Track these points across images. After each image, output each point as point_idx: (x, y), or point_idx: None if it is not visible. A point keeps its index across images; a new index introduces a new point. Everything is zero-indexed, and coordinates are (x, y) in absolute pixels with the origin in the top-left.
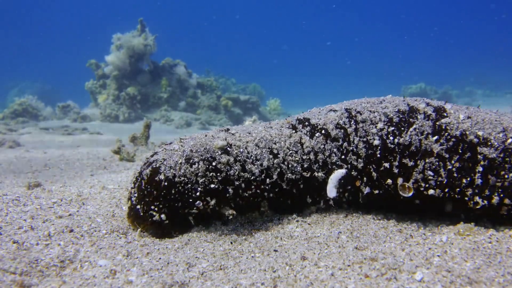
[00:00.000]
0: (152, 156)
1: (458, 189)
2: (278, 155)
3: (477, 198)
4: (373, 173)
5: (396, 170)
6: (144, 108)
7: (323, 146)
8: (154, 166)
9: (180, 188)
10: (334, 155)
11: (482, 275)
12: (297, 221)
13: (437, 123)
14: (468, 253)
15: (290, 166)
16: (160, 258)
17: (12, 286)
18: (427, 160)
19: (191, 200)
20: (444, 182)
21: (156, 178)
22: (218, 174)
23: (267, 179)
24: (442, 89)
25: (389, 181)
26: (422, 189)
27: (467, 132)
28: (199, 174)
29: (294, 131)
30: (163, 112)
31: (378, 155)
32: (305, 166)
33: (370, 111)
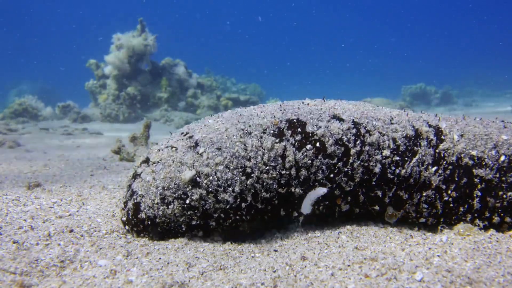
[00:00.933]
0: (136, 173)
1: (455, 217)
2: (252, 175)
3: (477, 221)
4: (361, 196)
5: (387, 200)
6: (144, 108)
7: (310, 161)
8: (136, 201)
9: (164, 226)
10: (321, 172)
11: (482, 275)
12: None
13: (437, 150)
14: (468, 253)
15: (265, 184)
16: (160, 258)
17: (12, 286)
18: (423, 194)
19: (179, 235)
20: (439, 213)
21: (139, 216)
22: (196, 211)
23: (242, 204)
24: (442, 89)
25: (377, 207)
26: (412, 217)
27: (462, 155)
28: (177, 214)
29: (277, 141)
30: (163, 112)
31: (373, 183)
32: (282, 182)
33: (380, 133)
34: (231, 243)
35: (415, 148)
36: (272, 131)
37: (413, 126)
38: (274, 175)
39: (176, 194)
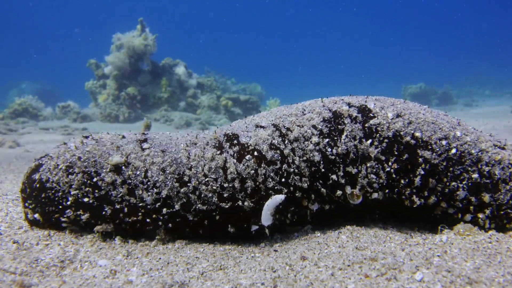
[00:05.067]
0: (62, 145)
1: (396, 190)
2: (189, 184)
3: (414, 197)
4: (322, 189)
5: (343, 180)
6: (144, 108)
7: (254, 171)
8: (38, 163)
9: (50, 194)
10: (271, 179)
11: (482, 275)
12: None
13: (366, 125)
14: (468, 253)
15: (203, 196)
16: (160, 258)
17: (12, 286)
18: (368, 165)
19: (60, 207)
20: (384, 184)
21: (32, 176)
22: (96, 191)
23: (164, 209)
24: (442, 89)
25: (339, 192)
26: (368, 194)
27: (401, 133)
28: (73, 185)
29: (218, 152)
30: (163, 112)
31: (323, 170)
32: (226, 195)
33: (299, 126)
34: (231, 243)
35: (339, 126)
36: (213, 143)
37: (330, 109)
38: (215, 188)
39: (87, 170)
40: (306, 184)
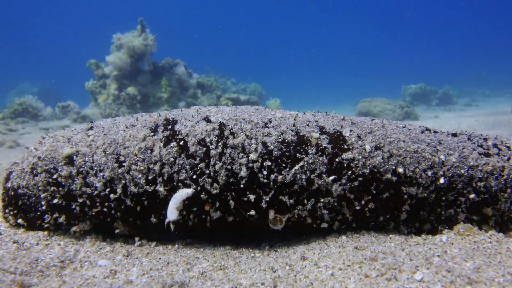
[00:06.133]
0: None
1: (372, 224)
2: (124, 163)
3: (401, 227)
4: (231, 201)
5: (265, 205)
6: (144, 108)
7: (173, 159)
8: (9, 171)
9: (25, 200)
10: (184, 172)
11: (482, 275)
12: None
13: (336, 159)
14: (468, 253)
15: (134, 177)
16: (160, 258)
17: (12, 286)
18: (321, 200)
19: (39, 213)
20: (349, 220)
21: (6, 185)
22: (60, 188)
23: (111, 195)
24: (442, 89)
25: (253, 212)
26: (308, 223)
27: (381, 170)
28: (40, 188)
29: (152, 134)
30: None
31: (242, 186)
32: (150, 178)
33: (247, 136)
34: (231, 243)
35: (298, 155)
36: (150, 125)
37: (297, 132)
38: (142, 168)
39: (47, 167)
40: (215, 191)
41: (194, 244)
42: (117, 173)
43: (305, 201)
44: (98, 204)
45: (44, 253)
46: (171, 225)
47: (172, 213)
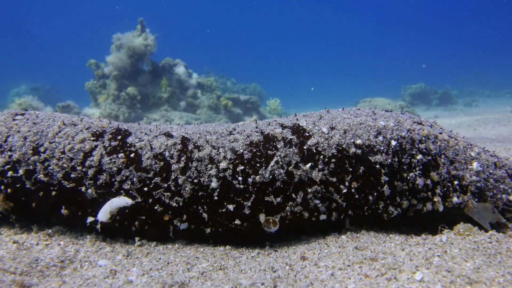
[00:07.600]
0: None
1: (366, 207)
2: (41, 154)
3: (390, 208)
4: (204, 214)
5: (248, 211)
6: (144, 108)
7: (117, 169)
8: None
9: None
10: (130, 183)
11: (482, 275)
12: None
13: (304, 147)
14: (468, 253)
15: (49, 168)
16: (160, 258)
17: (12, 286)
18: (309, 190)
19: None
20: (344, 206)
21: None
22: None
23: (9, 172)
24: (442, 89)
25: (238, 222)
26: (305, 217)
27: (344, 146)
28: None
29: (93, 139)
30: (163, 112)
31: (216, 198)
32: (72, 176)
33: (213, 146)
34: (231, 243)
35: (269, 152)
36: (94, 131)
37: (262, 132)
38: (65, 165)
39: None
40: (176, 204)
41: (194, 244)
42: (27, 159)
43: (293, 195)
44: (19, 192)
45: (44, 253)
46: (98, 225)
47: (103, 216)
